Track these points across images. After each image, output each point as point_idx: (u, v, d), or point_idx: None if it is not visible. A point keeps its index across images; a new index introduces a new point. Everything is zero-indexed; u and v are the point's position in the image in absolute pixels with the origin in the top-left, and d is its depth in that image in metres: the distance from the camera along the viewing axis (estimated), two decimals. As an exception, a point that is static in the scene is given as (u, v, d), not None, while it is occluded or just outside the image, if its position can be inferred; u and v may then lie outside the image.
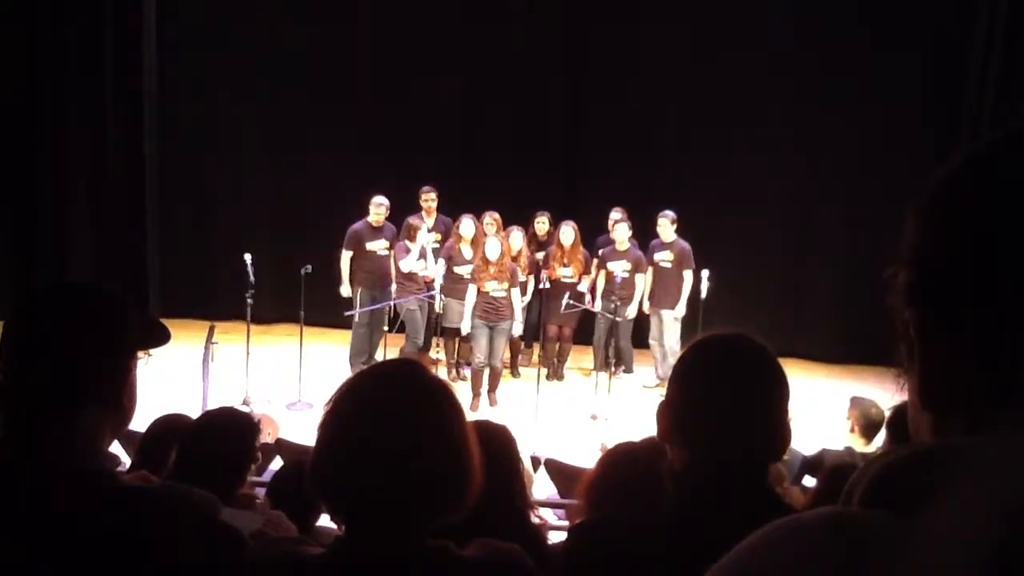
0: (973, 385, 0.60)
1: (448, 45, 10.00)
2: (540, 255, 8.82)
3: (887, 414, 3.54)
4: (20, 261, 10.06)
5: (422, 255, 8.20)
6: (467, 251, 8.18)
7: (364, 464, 1.30)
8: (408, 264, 8.07)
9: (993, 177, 0.60)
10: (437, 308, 8.03)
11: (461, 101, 10.08)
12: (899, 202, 0.69)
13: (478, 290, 7.76)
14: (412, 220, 8.37)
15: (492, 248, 7.71)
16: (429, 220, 8.74)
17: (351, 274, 8.39)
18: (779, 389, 1.48)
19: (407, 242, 8.17)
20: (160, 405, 3.47)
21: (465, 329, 7.90)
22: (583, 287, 8.57)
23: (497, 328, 7.79)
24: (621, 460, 2.18)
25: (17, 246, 10.13)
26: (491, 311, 7.76)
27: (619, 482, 2.06)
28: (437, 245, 8.59)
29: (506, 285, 7.74)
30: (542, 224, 9.00)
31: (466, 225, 8.22)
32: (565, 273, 8.49)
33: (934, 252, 0.63)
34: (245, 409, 5.45)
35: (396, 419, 1.32)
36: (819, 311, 9.82)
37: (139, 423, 2.39)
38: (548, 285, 8.19)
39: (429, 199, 8.76)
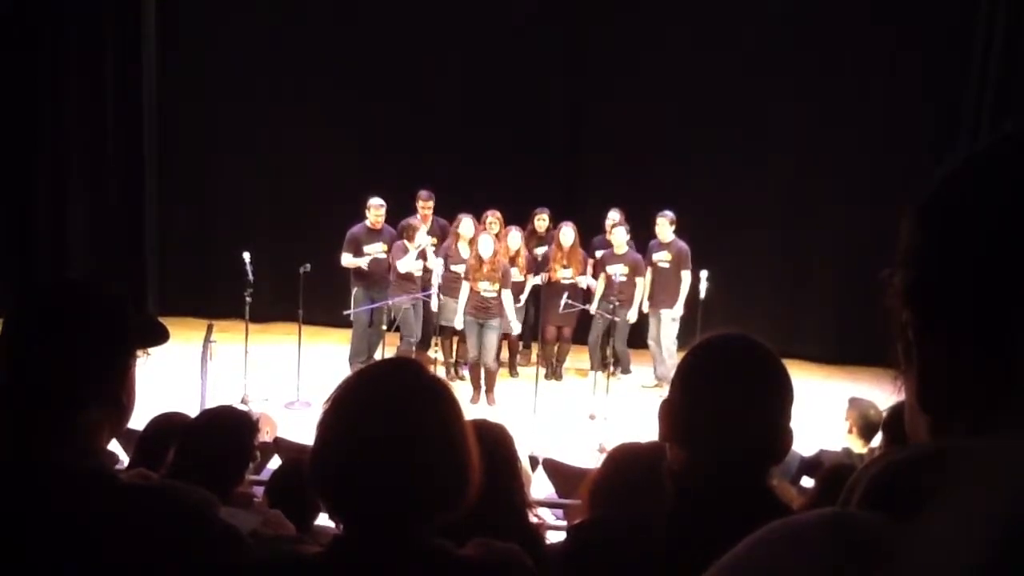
0: (972, 387, 0.60)
1: (448, 45, 10.01)
2: (540, 250, 8.81)
3: (885, 415, 3.54)
4: (20, 260, 10.05)
5: (421, 255, 8.20)
6: (464, 250, 8.19)
7: (362, 463, 1.30)
8: (405, 265, 8.07)
9: (993, 178, 0.60)
10: (433, 307, 8.03)
11: (461, 101, 10.08)
12: (899, 202, 0.68)
13: (471, 288, 7.80)
14: (411, 220, 8.36)
15: (485, 246, 7.72)
16: (425, 227, 8.70)
17: (351, 275, 8.38)
18: (782, 391, 1.47)
19: (406, 242, 8.16)
20: (159, 403, 3.46)
21: (458, 325, 7.98)
22: (583, 284, 8.55)
23: (487, 324, 7.86)
24: (626, 460, 2.17)
25: (17, 246, 10.12)
26: (481, 309, 7.85)
27: (623, 482, 2.06)
28: (434, 248, 8.59)
29: (497, 287, 7.79)
30: (542, 221, 9.00)
31: (465, 224, 8.22)
32: (565, 275, 8.47)
33: (932, 253, 0.62)
34: (243, 408, 5.45)
35: (394, 418, 1.32)
36: (818, 311, 9.82)
37: (138, 421, 2.39)
38: (543, 283, 8.20)
39: (426, 207, 8.71)
